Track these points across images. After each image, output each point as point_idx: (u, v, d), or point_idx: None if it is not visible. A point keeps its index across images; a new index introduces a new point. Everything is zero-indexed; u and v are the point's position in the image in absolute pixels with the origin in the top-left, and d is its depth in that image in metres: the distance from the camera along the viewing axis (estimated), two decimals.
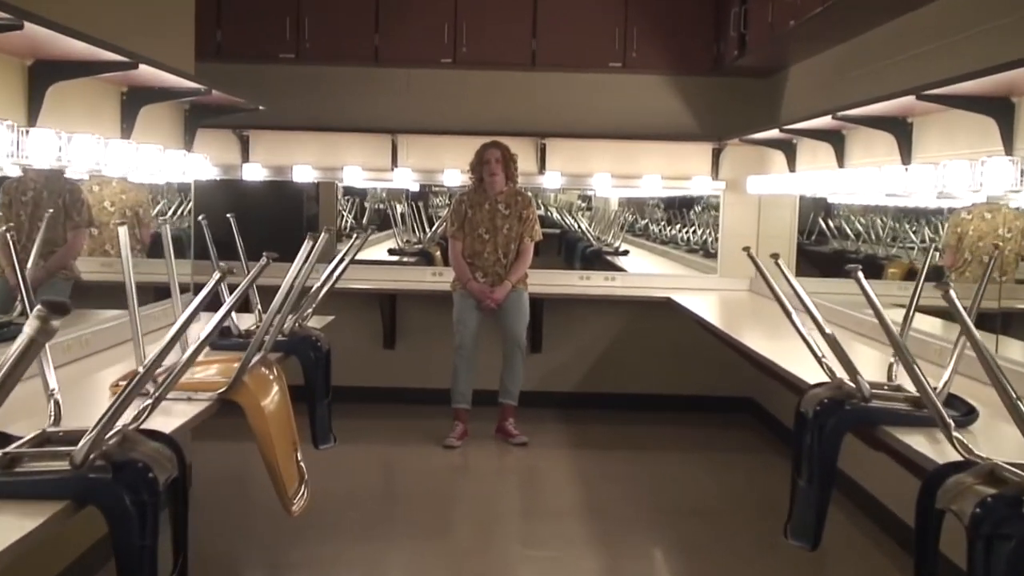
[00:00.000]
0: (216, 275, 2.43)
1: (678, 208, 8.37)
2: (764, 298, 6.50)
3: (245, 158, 6.84)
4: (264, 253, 2.91)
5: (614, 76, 6.79)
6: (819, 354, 3.11)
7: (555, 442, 6.21)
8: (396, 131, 6.77)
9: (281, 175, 6.83)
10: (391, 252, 7.79)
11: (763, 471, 5.79)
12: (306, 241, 3.72)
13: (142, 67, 3.46)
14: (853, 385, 2.88)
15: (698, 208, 8.13)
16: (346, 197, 7.85)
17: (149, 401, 2.39)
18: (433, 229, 7.82)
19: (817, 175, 5.17)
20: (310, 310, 4.17)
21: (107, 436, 2.10)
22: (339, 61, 6.68)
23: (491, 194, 5.97)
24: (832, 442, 2.84)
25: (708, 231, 7.61)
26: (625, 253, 8.34)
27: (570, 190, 7.78)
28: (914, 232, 5.24)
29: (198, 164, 4.52)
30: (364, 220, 8.07)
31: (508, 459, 5.93)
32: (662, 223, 8.88)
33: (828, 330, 3.02)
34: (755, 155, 6.72)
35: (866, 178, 4.32)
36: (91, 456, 2.04)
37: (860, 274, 2.75)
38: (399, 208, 7.85)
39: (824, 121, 4.82)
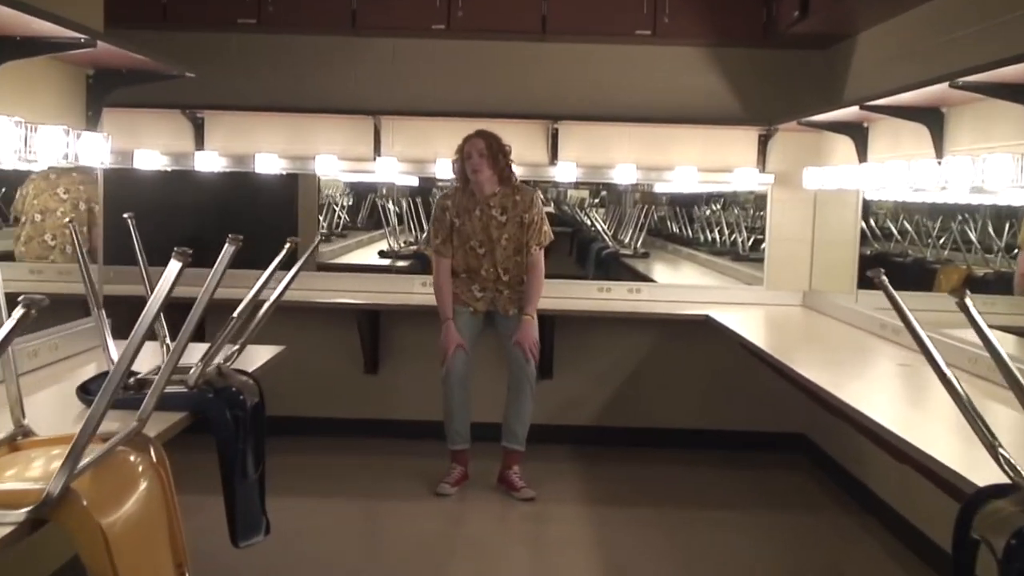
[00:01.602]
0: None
1: (688, 204, 7.34)
2: (820, 315, 5.39)
3: (199, 145, 5.73)
4: (177, 250, 2.11)
5: (642, 47, 5.65)
6: (994, 442, 1.98)
7: (568, 492, 5.07)
8: (379, 113, 5.63)
9: (241, 165, 5.71)
10: (382, 255, 6.68)
11: (824, 532, 4.65)
12: (226, 246, 2.59)
13: None
14: None
15: (715, 206, 7.07)
16: (347, 192, 6.71)
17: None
18: (429, 229, 6.67)
19: (908, 166, 4.00)
20: (235, 348, 3.06)
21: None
22: (310, 28, 5.55)
23: (480, 197, 4.85)
24: None
25: (734, 230, 6.59)
26: (645, 256, 7.31)
27: (587, 184, 6.55)
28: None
29: (94, 146, 3.38)
30: (359, 218, 6.96)
31: (512, 514, 4.80)
32: (684, 221, 7.85)
33: (963, 392, 2.05)
34: (811, 142, 5.58)
35: (999, 168, 3.16)
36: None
37: (884, 278, 2.15)
38: (392, 205, 6.73)
39: (922, 95, 3.69)
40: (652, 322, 5.63)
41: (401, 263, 6.50)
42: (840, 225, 5.45)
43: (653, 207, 7.89)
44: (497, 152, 4.79)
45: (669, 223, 8.35)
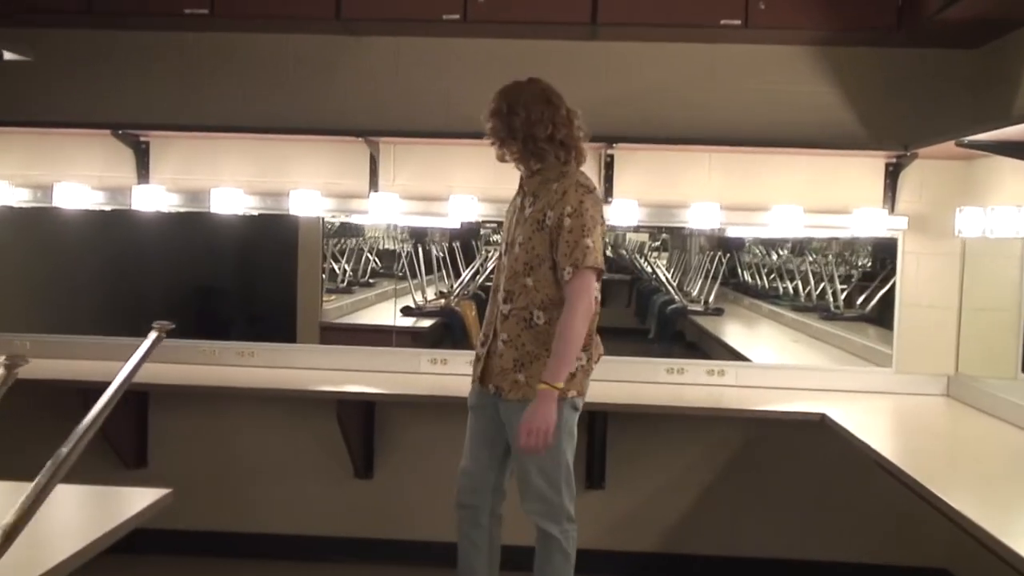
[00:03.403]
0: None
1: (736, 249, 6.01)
2: (970, 409, 3.94)
3: (143, 176, 4.38)
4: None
5: (728, 46, 4.20)
6: None
7: None
8: (375, 134, 4.23)
9: (196, 203, 4.35)
10: (406, 312, 5.27)
11: None
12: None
13: None
14: None
15: (782, 251, 5.73)
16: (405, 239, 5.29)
17: None
18: (464, 275, 5.31)
19: None
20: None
21: None
22: (282, 22, 4.18)
23: (523, 180, 3.28)
24: None
25: (820, 280, 5.34)
26: (719, 312, 5.96)
27: (650, 227, 5.05)
28: None
29: None
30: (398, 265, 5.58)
31: None
32: (759, 270, 6.54)
33: None
34: (960, 174, 4.10)
35: None
36: None
37: None
38: (426, 250, 5.34)
39: None
40: (739, 417, 4.11)
41: (425, 323, 5.07)
42: (998, 285, 3.95)
43: (724, 254, 6.59)
44: (510, 114, 3.10)
45: (741, 271, 7.02)
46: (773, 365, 4.52)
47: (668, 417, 4.11)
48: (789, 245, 7.06)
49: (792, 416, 3.83)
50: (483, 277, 5.98)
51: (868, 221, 4.17)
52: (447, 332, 5.05)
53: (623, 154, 4.25)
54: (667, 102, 4.25)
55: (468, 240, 5.75)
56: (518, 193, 3.25)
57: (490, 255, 6.40)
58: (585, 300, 3.01)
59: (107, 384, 1.80)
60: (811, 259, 6.89)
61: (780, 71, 4.19)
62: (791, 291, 6.76)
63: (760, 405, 3.95)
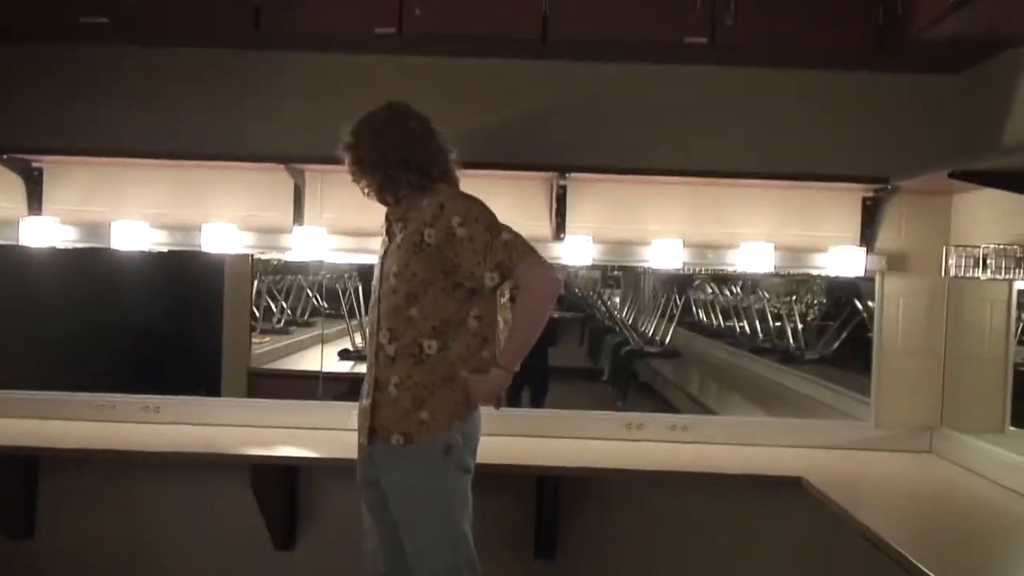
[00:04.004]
0: None
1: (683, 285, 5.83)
2: (958, 468, 3.56)
3: (35, 208, 3.87)
4: None
5: (692, 67, 3.81)
6: None
7: None
8: (300, 161, 3.78)
9: (95, 237, 3.85)
10: (343, 355, 4.81)
11: None
12: None
13: None
14: None
15: (735, 289, 5.57)
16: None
17: None
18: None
19: None
20: None
21: None
22: (193, 35, 3.71)
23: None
24: None
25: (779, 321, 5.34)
26: (675, 355, 5.66)
27: (606, 264, 4.59)
28: None
29: None
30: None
31: None
32: (712, 308, 6.30)
33: None
34: (947, 209, 3.76)
35: None
36: None
37: None
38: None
39: None
40: (706, 480, 3.67)
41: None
42: (981, 330, 3.62)
43: (677, 292, 6.26)
44: (356, 147, 2.89)
45: (696, 310, 6.68)
46: (741, 420, 4.09)
47: (628, 477, 3.66)
48: (740, 283, 6.77)
49: (765, 479, 3.41)
50: None
51: (844, 260, 3.79)
52: None
53: (576, 186, 3.84)
54: (625, 129, 3.84)
55: None
56: (385, 228, 2.96)
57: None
58: (544, 281, 2.80)
59: None
60: (764, 296, 6.56)
61: (751, 95, 3.81)
62: (747, 331, 6.42)
63: (728, 465, 3.53)
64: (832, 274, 3.84)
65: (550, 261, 3.81)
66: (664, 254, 3.77)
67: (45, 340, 4.11)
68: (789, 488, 3.33)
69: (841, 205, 3.83)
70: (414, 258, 2.78)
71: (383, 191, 2.89)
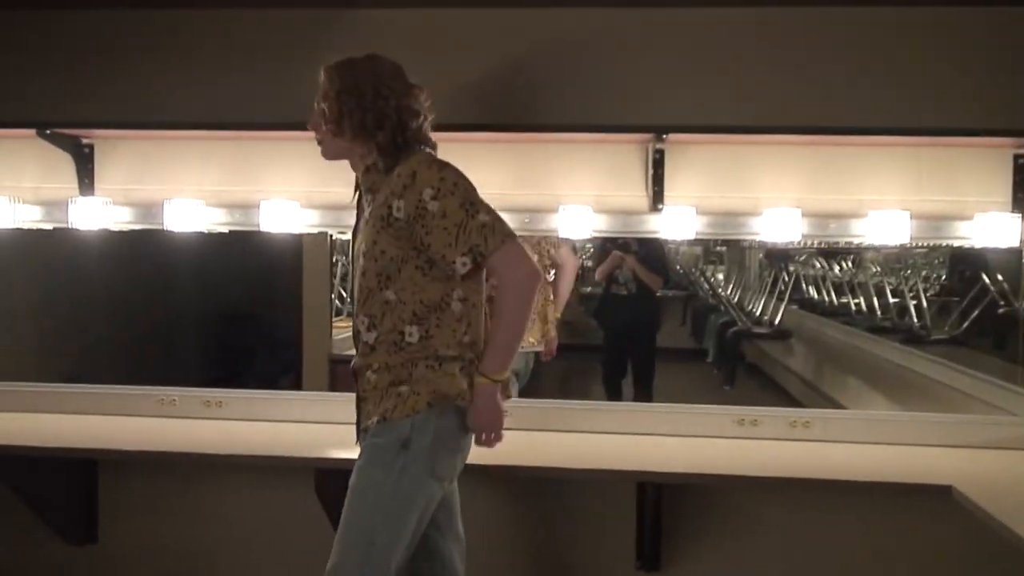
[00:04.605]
0: None
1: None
2: None
3: (87, 187, 3.59)
4: None
5: (805, 10, 3.29)
6: None
7: None
8: None
9: (149, 218, 3.55)
10: None
11: None
12: None
13: None
14: None
15: (845, 263, 5.05)
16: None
17: None
18: None
19: None
20: None
21: None
22: None
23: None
24: None
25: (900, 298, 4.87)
26: (786, 335, 5.23)
27: (711, 238, 4.08)
28: None
29: None
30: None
31: None
32: (824, 283, 5.82)
33: None
34: None
35: None
36: None
37: None
38: None
39: None
40: (834, 487, 3.17)
41: None
42: None
43: (784, 267, 5.79)
44: (342, 92, 2.46)
45: (805, 286, 6.19)
46: (874, 416, 3.55)
47: (740, 485, 3.21)
48: (852, 257, 6.28)
49: (907, 488, 2.91)
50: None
51: (992, 229, 3.25)
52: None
53: (675, 149, 3.37)
54: (731, 83, 3.35)
55: None
56: (355, 200, 2.60)
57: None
58: (522, 272, 2.40)
59: None
60: (875, 270, 6.05)
61: (877, 40, 3.27)
62: (863, 308, 5.90)
63: (859, 470, 3.04)
64: (978, 245, 3.30)
65: (649, 234, 3.41)
66: (778, 225, 3.29)
67: (102, 331, 3.85)
68: (936, 498, 2.83)
69: (988, 164, 3.29)
70: (382, 234, 2.41)
71: (357, 151, 2.49)
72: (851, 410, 3.83)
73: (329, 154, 2.56)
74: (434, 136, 2.56)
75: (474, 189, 2.43)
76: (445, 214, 2.36)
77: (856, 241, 3.37)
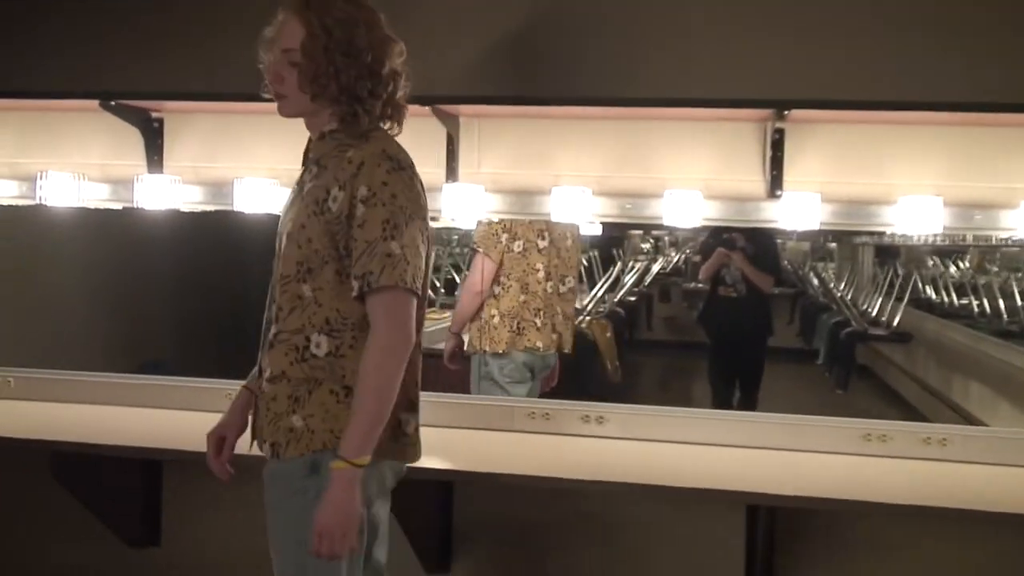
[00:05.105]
0: None
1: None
2: None
3: (156, 164, 3.37)
4: None
5: None
6: None
7: None
8: (452, 100, 3.08)
9: (219, 198, 3.31)
10: None
11: None
12: None
13: None
14: None
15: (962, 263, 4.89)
16: None
17: None
18: (597, 288, 4.78)
19: None
20: None
21: None
22: None
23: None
24: None
25: None
26: (905, 338, 4.82)
27: (835, 228, 3.63)
28: None
29: None
30: None
31: None
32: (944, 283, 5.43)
33: None
34: None
35: None
36: None
37: None
38: None
39: None
40: (975, 518, 2.75)
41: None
42: None
43: (900, 266, 5.40)
44: (327, 41, 2.00)
45: (923, 286, 5.77)
46: (1021, 434, 3.12)
47: (866, 512, 2.82)
48: (970, 256, 5.89)
49: None
50: (623, 291, 4.94)
51: None
52: (575, 363, 3.85)
53: (798, 128, 2.99)
54: (858, 53, 2.96)
55: (608, 248, 4.85)
56: (304, 166, 2.15)
57: (630, 266, 5.29)
58: (396, 331, 1.96)
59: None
60: (993, 270, 5.66)
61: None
62: (987, 310, 5.47)
63: (1004, 498, 2.63)
64: None
65: (766, 223, 3.03)
66: (916, 216, 2.89)
67: (165, 318, 3.64)
68: None
69: None
70: (312, 220, 2.00)
71: (325, 110, 2.06)
72: (994, 427, 3.38)
73: (291, 111, 2.11)
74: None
75: (417, 208, 2.01)
76: (363, 224, 1.96)
77: (1003, 235, 2.95)
